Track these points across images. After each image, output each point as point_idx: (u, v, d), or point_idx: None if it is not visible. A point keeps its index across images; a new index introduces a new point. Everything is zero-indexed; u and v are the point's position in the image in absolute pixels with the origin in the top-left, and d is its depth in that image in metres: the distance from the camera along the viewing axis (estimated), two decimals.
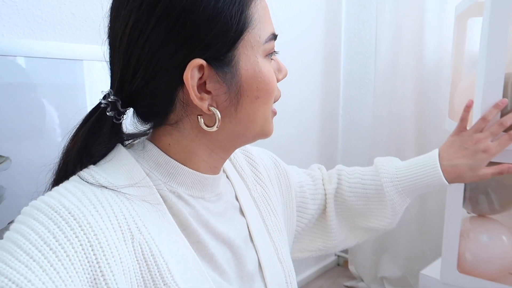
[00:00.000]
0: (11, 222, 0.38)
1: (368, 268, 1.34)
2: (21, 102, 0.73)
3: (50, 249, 0.34)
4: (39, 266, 0.33)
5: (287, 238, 0.63)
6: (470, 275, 0.81)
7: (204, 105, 0.42)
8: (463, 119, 0.70)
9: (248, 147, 0.65)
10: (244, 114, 0.44)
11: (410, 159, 0.70)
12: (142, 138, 0.49)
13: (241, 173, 0.59)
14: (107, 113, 0.44)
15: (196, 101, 0.41)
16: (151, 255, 0.40)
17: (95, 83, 0.80)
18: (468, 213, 0.86)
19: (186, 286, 0.41)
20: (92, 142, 0.44)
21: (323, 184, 0.73)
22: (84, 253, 0.35)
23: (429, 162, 0.67)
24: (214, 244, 0.47)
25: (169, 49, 0.40)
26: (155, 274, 0.40)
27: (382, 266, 1.32)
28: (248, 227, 0.55)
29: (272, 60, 0.47)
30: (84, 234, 0.36)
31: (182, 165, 0.47)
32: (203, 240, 0.46)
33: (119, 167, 0.44)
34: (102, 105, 0.44)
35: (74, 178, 0.42)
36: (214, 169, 0.50)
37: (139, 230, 0.40)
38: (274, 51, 0.46)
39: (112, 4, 0.43)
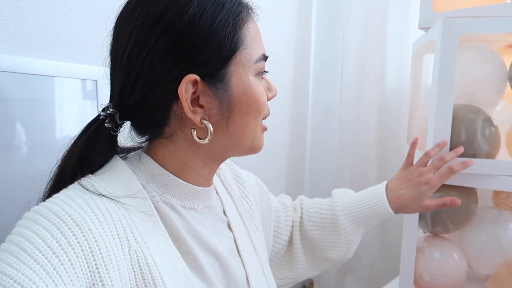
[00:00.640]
0: None
1: None
2: None
3: (53, 253, 0.36)
4: (42, 269, 0.35)
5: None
6: None
7: (197, 118, 0.45)
8: (410, 155, 0.76)
9: (236, 167, 0.69)
10: (234, 128, 0.48)
11: (363, 190, 0.76)
12: (139, 150, 0.52)
13: (229, 189, 0.63)
14: (105, 125, 0.46)
15: (189, 114, 0.45)
16: (146, 264, 0.42)
17: (66, 100, 0.80)
18: (423, 232, 0.93)
19: None
20: (90, 152, 0.46)
21: (292, 213, 0.77)
22: (85, 258, 0.37)
23: (377, 192, 0.73)
24: (203, 256, 0.50)
25: (167, 65, 0.44)
26: (149, 283, 0.42)
27: (346, 286, 1.36)
28: (235, 242, 0.57)
29: (263, 79, 0.52)
30: (86, 240, 0.38)
31: (176, 177, 0.49)
32: (193, 251, 0.48)
33: (117, 177, 0.46)
34: (101, 117, 0.46)
35: (74, 186, 0.43)
36: (206, 181, 0.53)
37: (135, 239, 0.42)
38: (264, 71, 0.51)
39: (116, 23, 0.47)
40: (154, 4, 0.44)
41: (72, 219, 0.38)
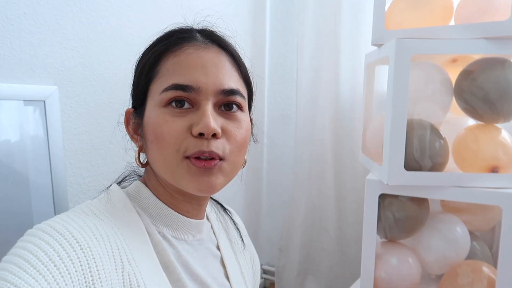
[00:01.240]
0: None
1: None
2: None
3: (55, 265, 0.38)
4: (44, 279, 0.37)
5: None
6: None
7: (136, 144, 0.53)
8: None
9: (241, 224, 0.74)
10: (150, 156, 0.52)
11: None
12: (137, 181, 0.56)
13: (225, 226, 0.66)
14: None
15: (132, 139, 0.54)
16: (137, 286, 0.44)
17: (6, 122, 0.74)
18: (381, 238, 0.97)
19: None
20: None
21: None
22: (83, 273, 0.39)
23: None
24: (192, 285, 0.52)
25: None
26: None
27: (306, 287, 1.40)
28: (228, 278, 0.59)
29: (195, 112, 0.49)
30: (85, 256, 0.40)
31: (169, 207, 0.53)
32: (182, 279, 0.50)
33: (114, 205, 0.50)
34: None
35: (74, 209, 0.47)
36: (195, 213, 0.56)
37: (129, 262, 0.44)
38: (174, 100, 0.49)
39: None
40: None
41: (73, 236, 0.41)
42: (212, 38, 0.52)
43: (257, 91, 0.59)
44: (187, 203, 0.54)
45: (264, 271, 1.59)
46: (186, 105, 0.49)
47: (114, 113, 0.91)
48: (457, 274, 0.87)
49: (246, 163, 0.57)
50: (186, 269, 0.52)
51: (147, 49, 0.54)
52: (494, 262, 0.91)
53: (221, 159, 0.49)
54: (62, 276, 0.38)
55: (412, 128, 0.82)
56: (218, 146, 0.48)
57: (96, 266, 0.41)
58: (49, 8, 0.80)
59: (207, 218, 0.61)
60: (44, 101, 0.78)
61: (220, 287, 0.56)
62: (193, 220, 0.55)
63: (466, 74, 0.84)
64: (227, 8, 1.34)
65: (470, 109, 0.84)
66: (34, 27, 0.78)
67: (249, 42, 1.46)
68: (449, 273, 0.89)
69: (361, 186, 1.27)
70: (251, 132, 0.56)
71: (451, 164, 0.88)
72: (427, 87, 0.86)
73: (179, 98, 0.48)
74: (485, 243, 0.96)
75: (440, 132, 0.84)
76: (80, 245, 0.41)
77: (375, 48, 0.95)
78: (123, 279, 0.43)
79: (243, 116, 0.52)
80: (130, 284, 0.44)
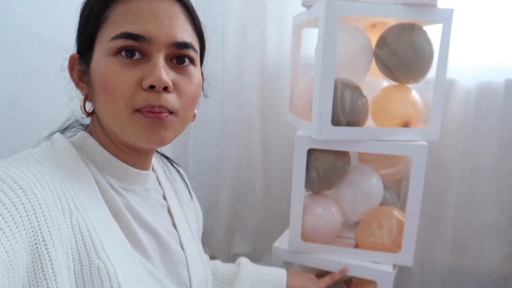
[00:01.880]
0: None
1: (222, 248, 1.46)
2: None
3: None
4: None
5: None
6: (310, 242, 0.99)
7: (82, 92, 0.51)
8: (332, 278, 0.92)
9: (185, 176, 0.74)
10: (97, 107, 0.50)
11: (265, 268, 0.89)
12: (82, 131, 0.53)
13: (170, 178, 0.67)
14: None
15: (77, 86, 0.52)
16: (87, 231, 0.43)
17: None
18: (307, 191, 1.04)
19: (116, 262, 0.44)
20: None
21: None
22: (28, 219, 0.38)
23: (279, 273, 0.86)
24: (141, 232, 0.52)
25: None
26: (90, 248, 0.42)
27: (234, 244, 1.46)
28: (175, 226, 0.60)
29: (145, 64, 0.47)
30: (29, 202, 0.38)
31: (116, 158, 0.51)
32: (131, 226, 0.50)
33: (57, 153, 0.47)
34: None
35: (16, 157, 0.44)
36: (142, 165, 0.55)
37: (76, 208, 0.43)
38: (124, 49, 0.47)
39: None
40: None
41: (15, 182, 0.39)
42: None
43: None
44: (133, 155, 0.53)
45: None
46: (137, 55, 0.46)
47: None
48: (372, 219, 0.98)
49: (196, 117, 0.57)
50: (135, 217, 0.52)
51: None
52: (401, 208, 1.04)
53: (171, 113, 0.48)
54: (6, 222, 0.36)
55: (338, 87, 0.88)
56: (168, 100, 0.47)
57: (42, 212, 0.39)
58: None
59: (153, 170, 0.60)
60: None
61: (168, 235, 0.57)
62: (140, 171, 0.54)
63: (383, 39, 0.92)
64: None
65: (387, 71, 0.92)
66: None
67: None
68: (365, 219, 1.00)
69: (286, 144, 1.34)
70: (202, 87, 0.56)
71: (369, 122, 0.97)
72: (351, 49, 0.92)
73: (130, 48, 0.46)
74: (394, 192, 1.09)
75: (362, 91, 0.91)
76: (24, 191, 0.38)
77: (302, 10, 0.99)
78: (71, 224, 0.42)
79: (194, 71, 0.51)
80: (79, 229, 0.42)
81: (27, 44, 0.82)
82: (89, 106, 0.52)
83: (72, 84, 0.53)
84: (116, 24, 0.46)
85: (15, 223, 0.36)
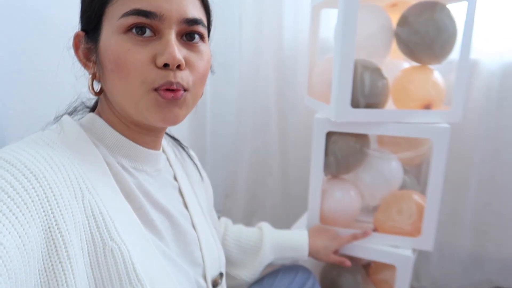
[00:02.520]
0: None
1: None
2: None
3: (8, 196, 0.36)
4: None
5: None
6: (329, 225, 0.99)
7: (89, 71, 0.50)
8: (354, 237, 0.92)
9: (192, 152, 0.73)
10: (108, 86, 0.49)
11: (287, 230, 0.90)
12: (90, 113, 0.53)
13: (181, 160, 0.65)
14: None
15: (83, 66, 0.50)
16: (100, 213, 0.43)
17: None
18: (325, 176, 1.04)
19: (130, 244, 0.44)
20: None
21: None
22: (40, 203, 0.37)
23: (300, 234, 0.88)
24: (154, 212, 0.52)
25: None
26: (103, 230, 0.42)
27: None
28: (186, 206, 0.60)
29: (157, 41, 0.47)
30: (40, 186, 0.38)
31: (125, 138, 0.51)
32: (144, 207, 0.50)
33: (67, 136, 0.47)
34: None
35: (26, 140, 0.43)
36: (153, 144, 0.55)
37: (88, 190, 0.43)
38: (135, 26, 0.46)
39: None
40: None
41: (26, 167, 0.38)
42: None
43: None
44: (144, 135, 0.53)
45: None
46: (148, 32, 0.46)
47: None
48: (391, 203, 0.97)
49: (203, 95, 0.57)
50: (148, 197, 0.51)
51: None
52: (421, 192, 1.02)
53: (185, 90, 0.48)
54: (18, 207, 0.36)
55: (357, 68, 0.86)
56: (183, 77, 0.47)
57: (54, 195, 0.38)
58: None
59: (163, 151, 0.60)
60: None
61: (180, 216, 0.57)
62: (151, 150, 0.53)
63: (405, 18, 0.89)
64: None
65: (408, 51, 0.90)
66: None
67: None
68: (385, 203, 0.99)
69: (303, 127, 1.33)
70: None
71: (389, 105, 0.95)
72: (371, 29, 0.90)
73: (141, 25, 0.45)
74: (414, 176, 1.08)
75: (382, 72, 0.90)
76: (35, 175, 0.38)
77: None
78: (84, 206, 0.41)
79: (204, 47, 0.51)
80: (92, 212, 0.42)
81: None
82: (96, 86, 0.51)
83: (77, 64, 0.52)
84: (126, 0, 0.46)
85: (27, 207, 0.36)
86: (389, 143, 1.05)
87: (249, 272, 0.82)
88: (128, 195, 0.48)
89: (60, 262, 0.38)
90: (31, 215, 0.36)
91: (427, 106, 0.90)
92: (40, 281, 0.37)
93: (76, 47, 0.50)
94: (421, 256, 1.25)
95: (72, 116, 0.53)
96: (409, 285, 0.95)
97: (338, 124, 0.89)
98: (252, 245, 0.83)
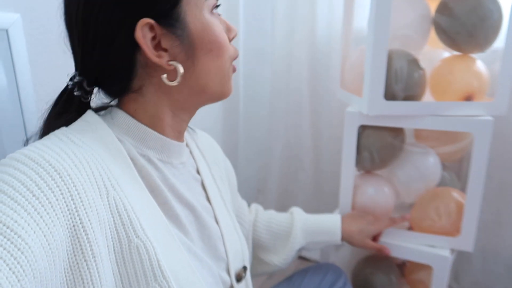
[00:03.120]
0: None
1: None
2: None
3: (33, 195, 0.36)
4: (23, 210, 0.34)
5: None
6: None
7: (163, 61, 0.46)
8: (393, 221, 0.89)
9: (211, 138, 0.72)
10: (201, 68, 0.48)
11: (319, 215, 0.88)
12: (109, 108, 0.52)
13: (203, 151, 0.65)
14: (75, 93, 0.48)
15: (154, 58, 0.45)
16: (125, 210, 0.42)
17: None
18: (358, 171, 1.00)
19: (155, 240, 0.44)
20: (62, 122, 0.47)
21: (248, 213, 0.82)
22: (65, 201, 0.37)
23: (333, 217, 0.86)
24: (179, 207, 0.51)
25: (119, 15, 0.43)
26: (128, 227, 0.42)
27: None
28: (209, 200, 0.59)
29: (220, 18, 0.51)
30: (65, 184, 0.38)
31: (151, 129, 0.50)
32: (169, 202, 0.49)
33: (91, 130, 0.46)
34: (69, 86, 0.48)
35: (49, 137, 0.43)
36: (178, 135, 0.54)
37: (113, 187, 0.42)
38: (217, 5, 0.50)
39: None
40: None
41: (50, 165, 0.38)
42: None
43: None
44: (182, 122, 0.53)
45: None
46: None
47: None
48: (428, 200, 0.93)
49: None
50: (173, 192, 0.51)
51: None
52: (462, 189, 0.96)
53: None
54: (42, 206, 0.36)
55: (392, 59, 0.82)
56: None
57: (78, 193, 0.38)
58: None
59: (186, 144, 0.60)
60: (7, 29, 0.72)
61: (204, 210, 0.56)
62: (176, 142, 0.53)
63: (444, 4, 0.84)
64: None
65: (448, 40, 0.84)
66: None
67: None
68: (421, 200, 0.94)
69: (337, 122, 1.29)
70: None
71: (427, 97, 0.90)
72: (408, 17, 0.85)
73: (217, 4, 0.50)
74: (453, 173, 1.02)
75: (419, 62, 0.85)
76: (59, 173, 0.38)
77: None
78: (109, 204, 0.41)
79: None
80: (117, 209, 0.42)
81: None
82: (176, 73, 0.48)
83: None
84: None
85: (51, 206, 0.36)
86: (427, 137, 0.99)
87: (281, 257, 0.81)
88: (153, 190, 0.48)
89: (85, 260, 0.38)
90: (56, 214, 0.36)
91: (469, 98, 0.84)
92: (66, 280, 0.37)
93: (143, 39, 0.44)
94: (462, 257, 1.19)
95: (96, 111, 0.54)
96: (446, 287, 0.91)
97: (371, 118, 0.85)
98: (282, 229, 0.82)
